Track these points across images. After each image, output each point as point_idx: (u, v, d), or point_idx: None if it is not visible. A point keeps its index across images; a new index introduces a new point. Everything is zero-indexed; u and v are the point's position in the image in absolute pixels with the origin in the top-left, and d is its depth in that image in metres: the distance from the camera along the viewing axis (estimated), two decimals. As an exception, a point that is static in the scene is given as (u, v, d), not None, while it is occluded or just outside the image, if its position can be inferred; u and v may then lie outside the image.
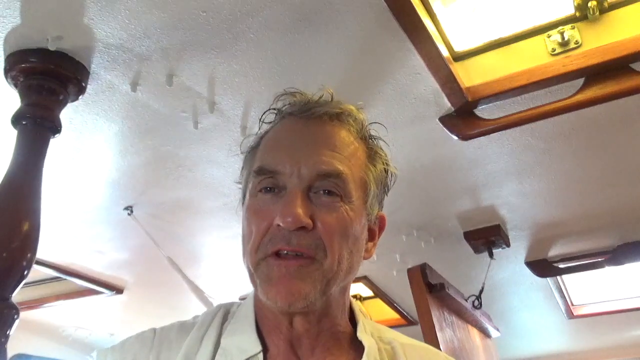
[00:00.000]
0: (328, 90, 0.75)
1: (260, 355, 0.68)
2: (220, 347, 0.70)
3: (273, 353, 0.70)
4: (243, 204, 0.75)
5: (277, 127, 0.75)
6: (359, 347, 0.72)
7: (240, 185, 0.79)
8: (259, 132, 0.78)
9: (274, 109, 0.77)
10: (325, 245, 0.65)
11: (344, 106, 0.74)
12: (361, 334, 0.73)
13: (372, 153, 0.75)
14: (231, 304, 0.79)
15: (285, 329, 0.70)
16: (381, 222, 0.78)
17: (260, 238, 0.66)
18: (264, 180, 0.69)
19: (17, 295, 1.15)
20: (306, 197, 0.66)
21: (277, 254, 0.65)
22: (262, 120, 0.77)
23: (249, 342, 0.70)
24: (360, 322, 0.75)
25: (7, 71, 1.32)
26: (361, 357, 0.70)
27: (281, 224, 0.64)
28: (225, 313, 0.77)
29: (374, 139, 0.77)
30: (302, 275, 0.64)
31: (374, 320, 0.83)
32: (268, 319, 0.72)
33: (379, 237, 0.78)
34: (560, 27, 1.48)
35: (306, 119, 0.72)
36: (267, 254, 0.66)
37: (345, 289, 0.74)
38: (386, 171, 0.77)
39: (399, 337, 0.78)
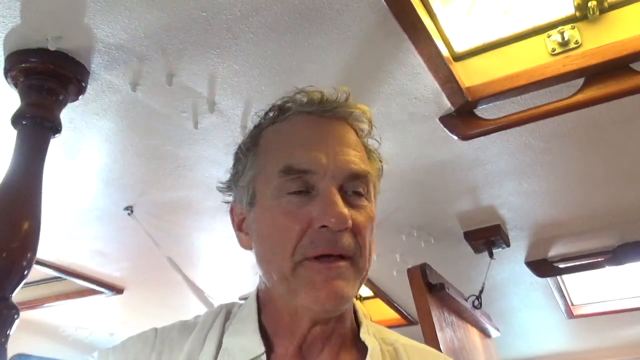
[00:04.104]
0: (344, 89, 0.75)
1: (264, 357, 0.68)
2: (223, 348, 0.70)
3: (279, 354, 0.69)
4: (252, 205, 0.71)
5: (292, 123, 0.72)
6: (361, 348, 0.72)
7: (226, 185, 0.77)
8: (259, 127, 0.76)
9: (279, 105, 0.75)
10: (361, 244, 0.66)
11: (360, 106, 0.75)
12: (364, 335, 0.73)
13: (372, 151, 0.77)
14: (232, 304, 0.78)
15: (300, 334, 0.69)
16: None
17: (297, 240, 0.64)
18: (290, 181, 0.66)
19: (17, 295, 1.15)
20: (340, 196, 0.66)
21: (316, 257, 0.64)
22: (261, 116, 0.76)
23: (252, 342, 0.69)
24: (364, 323, 0.76)
25: (7, 71, 1.32)
26: (364, 358, 0.70)
27: (328, 225, 0.63)
28: (227, 313, 0.76)
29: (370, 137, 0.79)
30: (345, 276, 0.65)
31: (374, 320, 0.83)
32: (283, 322, 0.70)
33: None
34: (560, 27, 1.48)
35: (328, 119, 0.71)
36: (305, 256, 0.64)
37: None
38: (381, 169, 0.78)
39: (400, 339, 0.78)
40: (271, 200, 0.68)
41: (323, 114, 0.71)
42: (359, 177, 0.68)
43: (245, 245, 0.74)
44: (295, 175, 0.66)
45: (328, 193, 0.65)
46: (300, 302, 0.66)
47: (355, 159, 0.68)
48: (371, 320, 0.80)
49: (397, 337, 0.79)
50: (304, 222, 0.65)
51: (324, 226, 0.64)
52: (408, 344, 0.78)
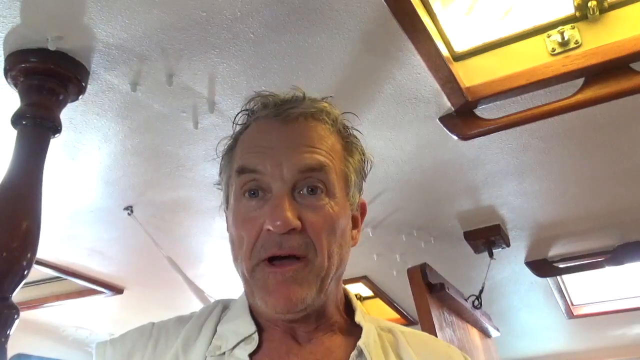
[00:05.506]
0: (299, 89, 0.76)
1: (256, 335, 0.70)
2: (217, 334, 0.72)
3: (270, 335, 0.71)
4: (227, 207, 0.75)
5: (252, 128, 0.75)
6: (357, 332, 0.73)
7: (220, 187, 0.80)
8: (233, 134, 0.79)
9: (246, 110, 0.77)
10: (315, 244, 0.67)
11: (318, 104, 0.74)
12: (359, 319, 0.74)
13: (348, 144, 0.76)
14: (229, 300, 0.81)
15: (282, 325, 0.72)
16: (362, 208, 0.79)
17: (252, 244, 0.67)
18: (247, 183, 0.69)
19: (17, 295, 1.15)
20: (292, 198, 0.67)
21: (270, 260, 0.66)
22: (235, 122, 0.78)
23: (244, 324, 0.71)
24: (358, 309, 0.77)
25: (7, 71, 1.32)
26: (359, 340, 0.71)
27: (271, 228, 0.65)
28: (224, 307, 0.79)
29: (348, 129, 0.78)
30: (297, 279, 0.66)
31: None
32: (264, 315, 0.73)
33: (361, 223, 0.79)
34: (560, 27, 1.48)
35: (282, 120, 0.72)
36: (260, 259, 0.67)
37: (339, 280, 0.76)
38: (363, 160, 0.78)
39: (397, 326, 0.80)
40: (234, 202, 0.71)
41: (277, 116, 0.72)
42: (311, 170, 0.68)
43: None
44: (248, 176, 0.69)
45: (275, 197, 0.67)
46: (258, 305, 0.68)
47: (306, 154, 0.69)
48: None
49: (394, 325, 0.80)
50: (256, 227, 0.67)
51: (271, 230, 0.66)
52: (406, 330, 0.79)
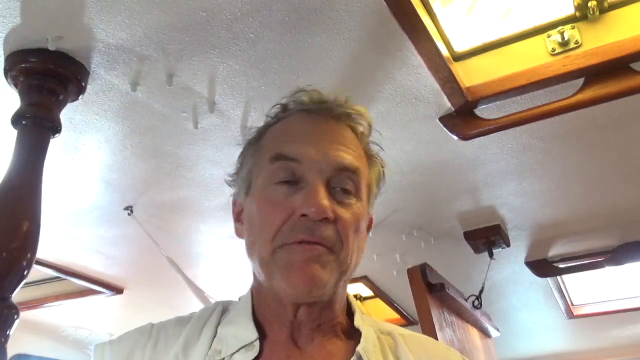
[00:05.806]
0: (342, 93, 0.77)
1: (257, 343, 0.69)
2: (217, 337, 0.71)
3: (271, 340, 0.71)
4: (247, 194, 0.75)
5: (290, 120, 0.76)
6: (356, 336, 0.73)
7: (231, 181, 0.80)
8: (266, 125, 0.79)
9: (282, 104, 0.78)
10: (343, 238, 0.67)
11: (358, 108, 0.77)
12: (358, 323, 0.74)
13: (372, 155, 0.78)
14: (229, 302, 0.80)
15: (287, 320, 0.71)
16: (370, 222, 0.81)
17: (278, 227, 0.67)
18: (282, 170, 0.69)
19: (17, 295, 1.15)
20: (327, 190, 0.68)
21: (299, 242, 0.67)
22: (268, 115, 0.79)
23: (246, 330, 0.71)
24: (358, 313, 0.77)
25: (7, 71, 1.32)
26: (359, 343, 0.70)
27: (308, 214, 0.65)
28: (224, 309, 0.78)
29: (371, 142, 0.80)
30: (322, 262, 0.66)
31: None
32: (270, 309, 0.72)
33: (368, 234, 0.80)
34: (560, 27, 1.48)
35: (324, 117, 0.74)
36: (285, 242, 0.67)
37: (347, 282, 0.76)
38: (382, 173, 0.80)
39: (398, 329, 0.79)
40: (261, 188, 0.71)
41: (320, 112, 0.74)
42: (347, 170, 0.70)
43: (240, 234, 0.77)
44: (283, 163, 0.69)
45: (312, 184, 0.67)
46: (276, 286, 0.67)
47: (344, 154, 0.70)
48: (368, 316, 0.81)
49: (394, 328, 0.79)
50: (286, 211, 0.67)
51: (304, 215, 0.65)
52: (406, 333, 0.78)
